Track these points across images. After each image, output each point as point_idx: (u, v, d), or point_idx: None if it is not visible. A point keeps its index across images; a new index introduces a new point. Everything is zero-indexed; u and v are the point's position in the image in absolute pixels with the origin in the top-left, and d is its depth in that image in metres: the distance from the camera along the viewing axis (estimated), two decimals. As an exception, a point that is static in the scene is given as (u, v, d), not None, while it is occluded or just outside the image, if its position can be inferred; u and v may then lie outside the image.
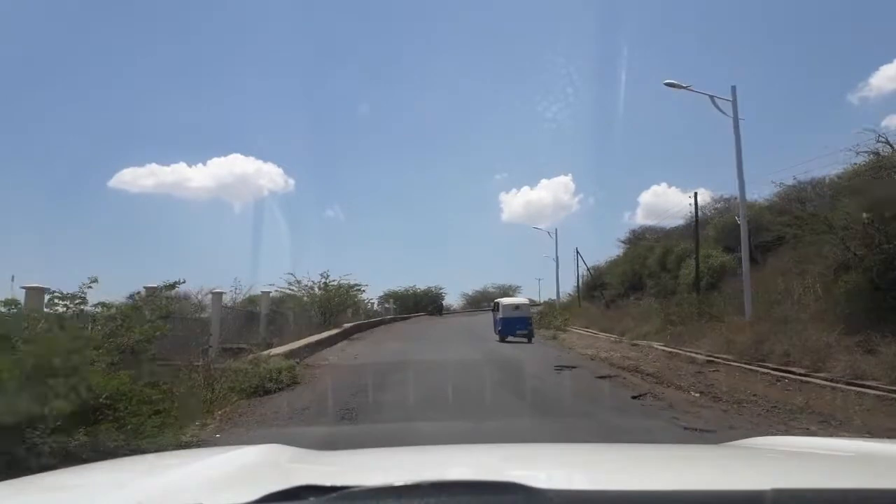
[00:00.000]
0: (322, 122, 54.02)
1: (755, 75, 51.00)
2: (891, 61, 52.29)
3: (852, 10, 48.72)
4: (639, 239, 36.72)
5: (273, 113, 57.44)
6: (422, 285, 59.32)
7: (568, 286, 46.56)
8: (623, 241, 38.85)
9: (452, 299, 60.39)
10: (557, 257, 42.89)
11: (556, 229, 42.94)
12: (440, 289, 61.25)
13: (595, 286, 39.35)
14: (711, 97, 15.12)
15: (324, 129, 54.98)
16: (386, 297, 48.75)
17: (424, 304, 57.04)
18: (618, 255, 40.37)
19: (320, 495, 0.98)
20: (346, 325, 23.68)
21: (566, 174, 62.87)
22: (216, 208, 53.97)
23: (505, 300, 23.84)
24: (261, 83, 55.23)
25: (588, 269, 39.91)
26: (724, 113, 15.00)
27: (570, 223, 63.52)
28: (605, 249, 68.48)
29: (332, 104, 58.03)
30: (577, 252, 41.25)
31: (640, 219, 59.56)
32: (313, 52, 50.86)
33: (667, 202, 63.64)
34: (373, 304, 39.72)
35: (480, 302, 66.34)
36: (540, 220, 68.45)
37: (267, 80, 56.54)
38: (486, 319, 42.67)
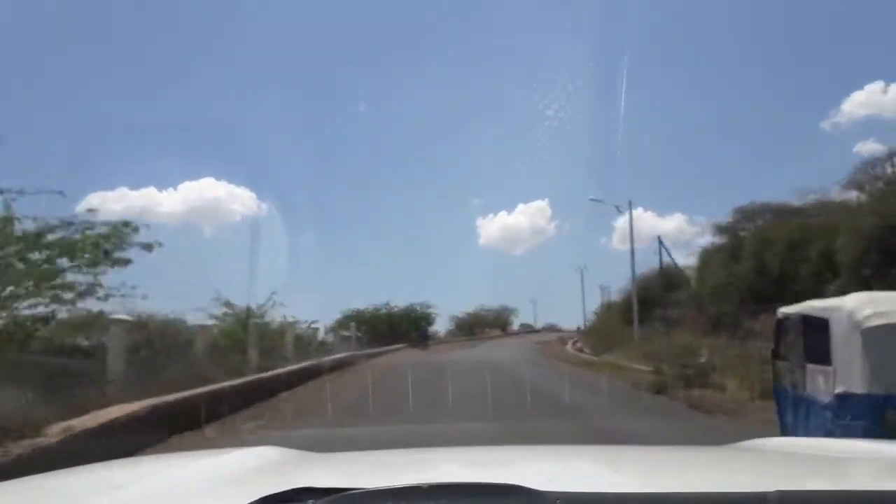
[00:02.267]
0: (296, 148, 52.43)
1: (730, 101, 57.46)
2: (861, 88, 54.96)
3: (823, 38, 53.99)
4: (748, 219, 21.49)
5: (247, 137, 54.28)
6: (400, 302, 45.73)
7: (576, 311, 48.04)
8: (723, 228, 27.87)
9: (439, 324, 53.56)
10: (633, 238, 27.64)
11: (629, 201, 32.60)
12: (428, 307, 47.69)
13: (648, 302, 27.64)
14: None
15: (298, 155, 53.92)
16: (343, 322, 36.01)
17: (404, 329, 42.57)
18: (703, 254, 28.65)
19: (318, 498, 1.02)
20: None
21: (543, 199, 66.72)
22: (185, 233, 53.16)
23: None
24: (236, 105, 55.23)
25: (675, 266, 29.25)
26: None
27: (546, 248, 70.12)
28: (590, 275, 75.86)
29: (307, 131, 58.41)
30: (660, 242, 29.77)
31: (616, 243, 59.48)
32: (287, 73, 55.15)
33: (642, 226, 58.62)
34: (313, 329, 26.41)
35: (473, 327, 59.19)
36: (516, 245, 76.04)
37: (242, 102, 57.55)
38: (507, 356, 26.85)
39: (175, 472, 1.54)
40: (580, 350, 31.12)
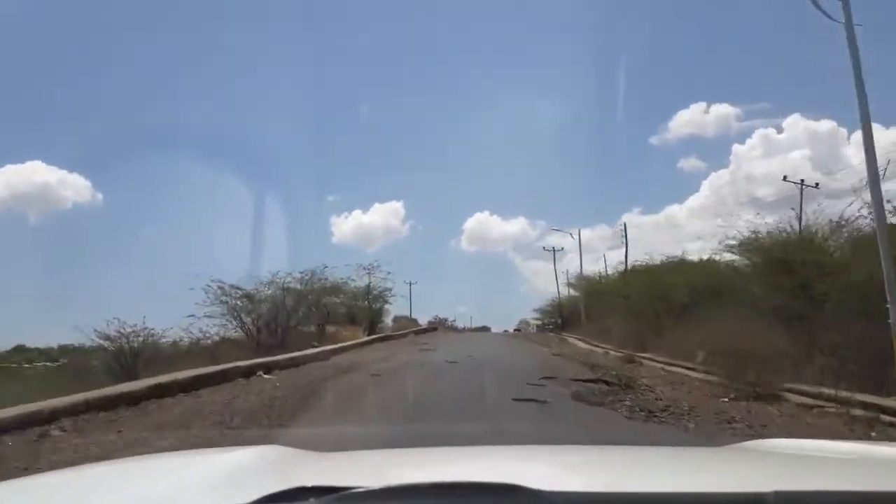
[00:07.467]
0: (137, 133, 50.90)
1: (570, 114, 56.00)
2: (687, 107, 56.66)
3: (652, 61, 56.06)
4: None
5: (83, 118, 56.55)
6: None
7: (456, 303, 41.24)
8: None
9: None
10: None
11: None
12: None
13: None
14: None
15: (138, 142, 54.78)
16: None
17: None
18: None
19: (319, 496, 1.03)
20: None
21: (398, 200, 68.36)
22: (6, 222, 52.71)
23: None
24: (70, 87, 53.20)
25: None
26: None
27: (398, 248, 70.37)
28: (439, 273, 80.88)
29: (149, 117, 57.79)
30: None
31: (465, 245, 69.30)
32: (129, 57, 49.66)
33: (488, 229, 73.53)
34: None
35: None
36: (370, 243, 75.70)
37: (75, 80, 54.97)
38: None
39: (176, 472, 1.55)
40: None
